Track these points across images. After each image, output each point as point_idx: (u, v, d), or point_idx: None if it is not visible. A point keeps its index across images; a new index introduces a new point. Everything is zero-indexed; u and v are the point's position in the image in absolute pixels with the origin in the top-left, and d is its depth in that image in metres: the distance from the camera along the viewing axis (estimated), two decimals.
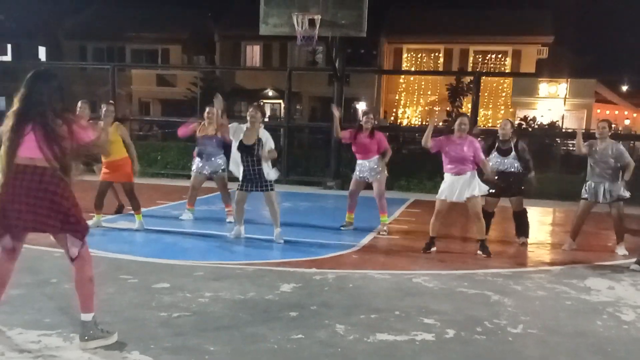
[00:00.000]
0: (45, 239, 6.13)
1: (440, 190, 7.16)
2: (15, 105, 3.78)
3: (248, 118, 7.21)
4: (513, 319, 4.81)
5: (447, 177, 7.09)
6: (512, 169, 7.71)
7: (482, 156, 7.12)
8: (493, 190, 7.45)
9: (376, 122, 8.41)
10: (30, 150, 3.68)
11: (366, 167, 8.12)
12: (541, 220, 10.66)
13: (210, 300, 4.97)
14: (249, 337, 4.18)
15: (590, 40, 35.04)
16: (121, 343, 3.94)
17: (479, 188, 7.03)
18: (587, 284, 5.98)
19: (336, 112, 8.45)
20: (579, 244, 7.73)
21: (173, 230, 7.97)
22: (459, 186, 6.97)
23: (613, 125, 8.00)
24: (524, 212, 8.01)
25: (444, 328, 4.51)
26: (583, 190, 7.59)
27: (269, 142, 7.18)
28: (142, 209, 8.02)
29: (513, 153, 7.72)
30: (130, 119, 25.83)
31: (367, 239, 7.79)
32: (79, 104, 8.51)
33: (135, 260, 6.27)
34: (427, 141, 7.04)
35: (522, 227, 8.02)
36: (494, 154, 7.72)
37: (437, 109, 29.19)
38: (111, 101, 8.18)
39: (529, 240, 8.00)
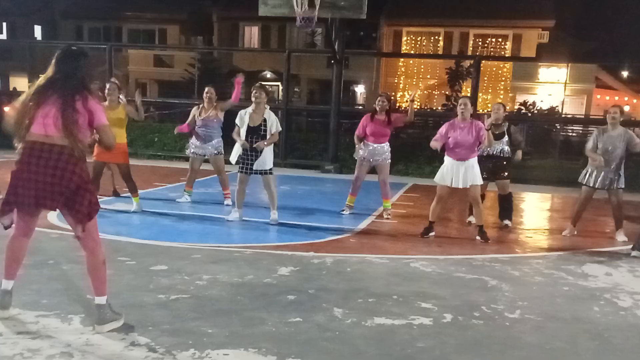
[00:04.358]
0: (42, 220, 6.10)
1: (440, 175, 7.10)
2: (44, 79, 3.75)
3: (253, 99, 7.21)
4: (510, 304, 4.81)
5: (449, 161, 7.03)
6: (502, 154, 7.74)
7: (485, 133, 7.05)
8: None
9: (390, 104, 8.37)
10: (48, 127, 3.64)
11: (377, 151, 8.08)
12: (540, 206, 10.68)
13: (208, 283, 4.96)
14: (246, 320, 4.17)
15: (591, 25, 34.86)
16: (119, 325, 3.93)
17: (479, 177, 7.02)
18: (584, 270, 5.99)
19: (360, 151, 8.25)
20: (577, 230, 7.74)
21: (171, 212, 7.95)
22: (462, 173, 6.93)
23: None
24: (510, 196, 8.06)
25: (442, 313, 4.51)
26: (584, 176, 7.54)
27: (274, 126, 7.18)
28: (139, 191, 7.99)
29: (505, 138, 7.74)
30: (127, 99, 25.83)
31: (365, 223, 7.79)
32: (107, 85, 8.25)
33: (133, 242, 6.26)
34: (437, 147, 7.00)
35: (506, 210, 8.08)
36: None
37: (436, 93, 29.11)
38: (113, 79, 8.11)
39: (527, 226, 8.00)
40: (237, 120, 7.30)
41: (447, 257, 6.26)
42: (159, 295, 4.58)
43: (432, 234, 7.18)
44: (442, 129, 7.07)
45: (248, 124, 7.13)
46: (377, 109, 8.07)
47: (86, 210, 3.73)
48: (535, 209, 10.44)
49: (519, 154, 7.87)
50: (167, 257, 5.70)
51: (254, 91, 7.25)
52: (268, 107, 7.33)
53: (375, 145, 8.08)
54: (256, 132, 7.13)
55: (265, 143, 7.14)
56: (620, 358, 3.88)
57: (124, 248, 5.97)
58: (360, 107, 26.91)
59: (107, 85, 7.75)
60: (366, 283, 5.20)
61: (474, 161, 7.00)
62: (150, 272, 5.17)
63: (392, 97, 31.04)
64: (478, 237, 7.11)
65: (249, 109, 7.22)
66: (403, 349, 3.81)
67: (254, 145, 7.11)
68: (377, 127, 8.01)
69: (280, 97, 25.74)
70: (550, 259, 6.46)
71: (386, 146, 8.11)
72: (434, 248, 6.69)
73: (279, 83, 28.23)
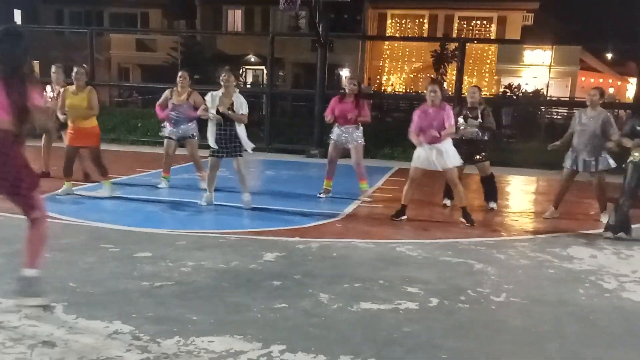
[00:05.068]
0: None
1: (415, 157, 7.13)
2: None
3: (222, 83, 7.18)
4: (496, 287, 4.82)
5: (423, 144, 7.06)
6: (478, 136, 7.75)
7: (451, 122, 7.03)
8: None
9: (362, 86, 8.31)
10: None
11: (347, 132, 8.07)
12: (525, 189, 10.73)
13: (193, 269, 4.92)
14: (232, 306, 4.14)
15: (575, 7, 34.88)
16: (103, 313, 3.89)
17: (455, 159, 7.03)
18: (569, 252, 6.02)
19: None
20: (562, 212, 7.77)
21: (155, 198, 7.88)
22: (435, 155, 6.96)
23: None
24: (492, 177, 8.07)
25: (428, 297, 4.51)
26: (565, 158, 7.59)
27: (242, 108, 7.16)
28: (123, 177, 7.91)
29: (480, 120, 7.74)
30: (109, 84, 25.55)
31: (350, 208, 7.76)
32: (53, 68, 8.27)
33: (117, 229, 6.18)
34: (419, 141, 7.03)
35: (490, 192, 8.10)
36: (461, 120, 7.73)
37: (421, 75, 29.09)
38: (84, 65, 7.96)
39: (513, 209, 8.00)
40: (207, 100, 7.25)
41: (432, 241, 6.26)
42: (143, 283, 4.54)
43: (404, 217, 7.17)
44: (415, 117, 7.11)
45: (217, 107, 7.09)
46: (346, 91, 8.04)
47: (30, 186, 3.78)
48: (520, 191, 10.48)
49: (474, 122, 7.78)
50: (151, 244, 5.65)
51: (222, 75, 7.24)
52: (237, 90, 7.29)
53: (344, 128, 8.06)
54: (224, 116, 7.10)
55: (231, 113, 7.07)
56: (605, 340, 3.90)
57: (107, 235, 5.90)
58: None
59: (75, 70, 7.58)
60: (352, 268, 5.18)
61: (447, 144, 7.01)
62: (134, 259, 5.12)
63: (378, 80, 31.01)
64: (463, 220, 7.11)
65: (219, 92, 7.17)
66: (389, 333, 3.80)
67: (221, 111, 7.06)
68: (346, 109, 8.00)
69: (264, 81, 25.59)
70: (535, 242, 6.48)
71: (357, 128, 8.08)
72: (420, 232, 6.69)
73: (263, 67, 28.08)
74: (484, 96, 8.15)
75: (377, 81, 31.10)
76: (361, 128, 8.17)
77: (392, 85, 31.32)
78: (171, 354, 3.37)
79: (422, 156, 7.03)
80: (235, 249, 5.58)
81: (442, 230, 6.81)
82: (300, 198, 8.34)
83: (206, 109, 7.21)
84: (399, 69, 31.57)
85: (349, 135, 8.07)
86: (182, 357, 3.35)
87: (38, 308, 3.92)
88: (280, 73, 29.40)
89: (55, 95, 8.44)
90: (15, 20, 32.28)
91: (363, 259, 5.49)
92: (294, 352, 3.46)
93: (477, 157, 7.82)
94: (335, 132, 8.17)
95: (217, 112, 7.09)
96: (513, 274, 5.25)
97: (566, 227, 7.23)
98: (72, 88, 7.54)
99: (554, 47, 18.78)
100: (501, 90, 24.59)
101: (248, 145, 7.27)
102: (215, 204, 7.50)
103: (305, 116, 16.75)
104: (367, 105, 8.09)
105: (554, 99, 22.25)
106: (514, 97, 21.58)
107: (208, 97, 7.23)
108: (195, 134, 8.50)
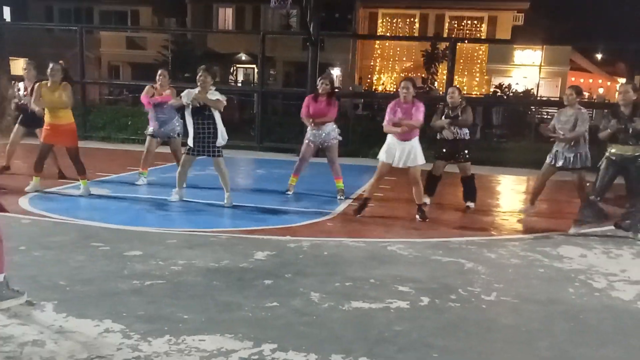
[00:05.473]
0: (13, 205, 5.99)
1: (384, 152, 7.16)
2: None
3: (198, 83, 7.13)
4: (487, 286, 4.83)
5: (391, 139, 7.11)
6: (461, 136, 7.80)
7: (420, 118, 7.03)
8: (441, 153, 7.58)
9: (336, 88, 8.25)
10: None
11: (322, 132, 8.07)
12: (515, 188, 10.76)
13: (184, 268, 4.90)
14: (223, 305, 4.13)
15: (566, 8, 35.06)
16: (93, 311, 3.87)
17: (421, 157, 7.09)
18: (559, 251, 6.04)
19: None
20: (552, 212, 7.80)
21: (145, 197, 7.85)
22: (405, 153, 7.03)
23: (586, 93, 7.94)
24: (472, 177, 8.13)
25: (419, 296, 4.51)
26: (548, 155, 7.67)
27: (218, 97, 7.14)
28: (113, 176, 7.87)
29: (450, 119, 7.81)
30: (100, 82, 25.42)
31: (342, 207, 7.77)
32: (23, 64, 8.15)
33: (107, 227, 6.15)
34: (395, 130, 7.06)
35: (469, 192, 8.15)
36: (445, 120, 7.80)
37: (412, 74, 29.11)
38: (60, 61, 7.86)
39: (503, 208, 8.02)
40: (182, 95, 7.19)
41: (423, 240, 6.27)
42: (134, 281, 4.51)
43: (369, 206, 7.27)
44: (388, 110, 7.15)
45: (193, 105, 7.07)
46: (319, 90, 8.04)
47: None
48: (511, 191, 10.52)
49: (445, 121, 7.83)
50: (141, 242, 5.62)
51: (199, 75, 7.16)
52: (213, 88, 7.24)
53: (320, 127, 8.05)
54: (201, 113, 7.09)
55: (208, 100, 7.02)
56: (595, 338, 3.92)
57: (97, 233, 5.87)
58: (336, 90, 26.82)
59: (50, 65, 7.47)
60: (343, 267, 5.18)
61: (415, 142, 7.08)
62: (124, 258, 5.09)
63: (369, 80, 31.02)
64: (417, 216, 7.19)
65: (195, 90, 7.14)
66: (380, 332, 3.81)
67: (196, 100, 7.00)
68: (320, 107, 8.02)
69: (255, 80, 25.55)
70: (525, 241, 6.51)
71: (331, 126, 8.09)
72: (411, 231, 6.70)
73: (254, 65, 28.02)
74: (476, 96, 8.18)
75: (368, 80, 31.14)
76: (335, 126, 8.17)
77: (383, 84, 31.34)
78: (162, 352, 3.36)
79: (391, 152, 7.08)
80: (226, 248, 5.57)
81: (433, 230, 6.83)
82: (292, 197, 8.33)
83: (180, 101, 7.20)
84: (389, 69, 31.61)
85: (324, 134, 8.07)
86: (173, 355, 3.34)
87: (28, 307, 3.90)
88: (272, 72, 29.36)
89: (29, 92, 8.38)
90: (4, 17, 32.08)
91: (354, 258, 5.50)
92: (285, 351, 3.45)
93: (459, 156, 7.87)
94: (312, 131, 8.14)
95: (194, 119, 7.07)
96: (503, 273, 5.27)
97: (556, 226, 7.26)
98: (48, 83, 7.46)
99: (544, 47, 18.83)
100: (492, 90, 24.63)
101: (219, 140, 7.20)
102: (204, 203, 7.49)
103: (296, 115, 16.58)
104: (336, 105, 8.07)
105: (544, 98, 22.31)
106: (505, 97, 21.66)
107: (184, 93, 7.19)
108: (179, 133, 8.47)
